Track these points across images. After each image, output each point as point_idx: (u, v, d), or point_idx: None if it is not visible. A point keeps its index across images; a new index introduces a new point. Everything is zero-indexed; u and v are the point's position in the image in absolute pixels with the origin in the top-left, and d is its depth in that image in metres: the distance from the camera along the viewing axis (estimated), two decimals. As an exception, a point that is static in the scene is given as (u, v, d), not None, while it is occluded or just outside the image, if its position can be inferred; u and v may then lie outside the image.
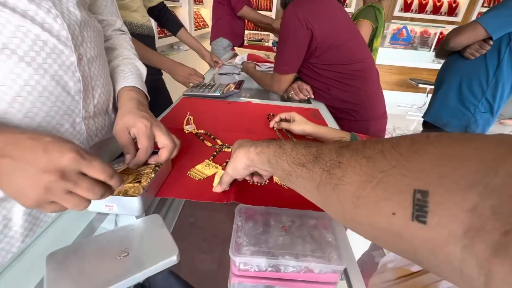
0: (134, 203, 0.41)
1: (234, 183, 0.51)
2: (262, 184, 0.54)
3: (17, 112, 0.41)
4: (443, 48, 1.31)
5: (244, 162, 0.41)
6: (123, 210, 0.42)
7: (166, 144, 0.48)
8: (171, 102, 0.96)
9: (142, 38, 1.13)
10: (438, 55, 1.43)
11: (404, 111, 4.02)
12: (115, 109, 0.64)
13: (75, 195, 0.32)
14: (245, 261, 0.40)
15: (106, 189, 0.34)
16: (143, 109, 0.51)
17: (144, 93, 0.60)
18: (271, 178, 0.55)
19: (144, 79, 0.65)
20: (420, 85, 3.80)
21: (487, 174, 0.15)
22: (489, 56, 1.16)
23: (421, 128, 1.53)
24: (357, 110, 1.03)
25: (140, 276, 0.31)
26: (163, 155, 0.47)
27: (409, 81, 4.09)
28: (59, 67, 0.43)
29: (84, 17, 0.48)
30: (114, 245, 0.36)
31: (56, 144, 0.31)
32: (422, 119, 1.47)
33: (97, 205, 0.42)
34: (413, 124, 3.58)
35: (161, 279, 0.21)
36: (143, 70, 0.66)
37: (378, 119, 1.08)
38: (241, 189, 0.51)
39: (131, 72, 0.62)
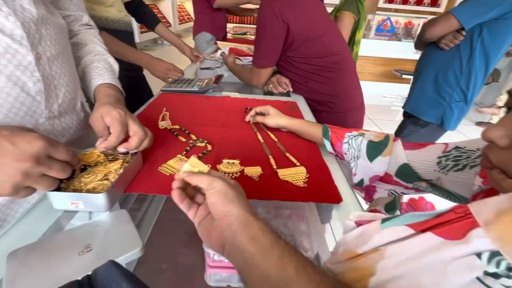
0: (100, 199, 0.41)
1: None
2: (233, 176, 0.55)
3: None
4: (420, 39, 1.34)
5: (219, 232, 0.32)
6: (90, 207, 0.43)
7: (137, 131, 0.49)
8: (152, 99, 0.95)
9: (119, 34, 1.10)
10: (417, 46, 1.45)
11: (389, 102, 4.08)
12: (86, 106, 0.64)
13: (48, 177, 0.36)
14: (219, 253, 0.42)
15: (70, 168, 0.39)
16: (120, 104, 0.53)
17: (120, 90, 0.61)
18: (241, 171, 0.56)
19: (117, 75, 0.65)
20: (404, 76, 3.86)
21: None
22: (462, 47, 1.19)
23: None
24: (335, 102, 1.05)
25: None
26: (133, 141, 0.48)
27: (393, 72, 4.14)
28: (16, 68, 0.42)
29: (42, 14, 0.46)
30: (77, 241, 0.37)
31: (20, 135, 0.34)
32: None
33: (63, 203, 0.42)
34: (398, 115, 3.65)
35: (104, 269, 0.21)
36: (116, 66, 0.66)
37: (355, 110, 1.10)
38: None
39: (106, 69, 0.62)
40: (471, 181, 0.43)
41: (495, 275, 0.21)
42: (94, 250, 0.35)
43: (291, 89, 1.09)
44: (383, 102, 4.07)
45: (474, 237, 0.23)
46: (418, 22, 4.24)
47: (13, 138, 0.33)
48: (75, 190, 0.44)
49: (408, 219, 0.29)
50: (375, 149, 0.57)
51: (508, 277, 0.20)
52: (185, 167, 0.38)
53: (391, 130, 1.15)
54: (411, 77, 1.49)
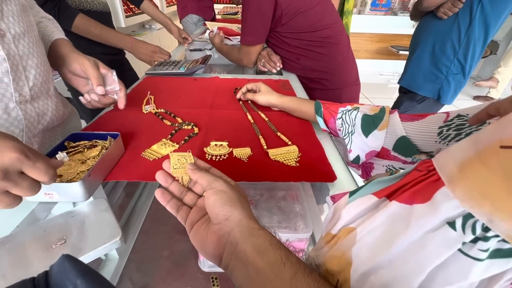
0: (75, 188, 0.38)
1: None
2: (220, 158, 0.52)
3: None
4: (417, 9, 1.28)
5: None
6: (66, 197, 0.40)
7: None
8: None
9: (95, 15, 1.03)
10: (413, 17, 1.39)
11: (386, 79, 4.01)
12: (57, 92, 0.60)
13: (10, 195, 0.29)
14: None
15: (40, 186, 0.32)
16: None
17: None
18: (230, 153, 0.53)
19: None
20: (401, 52, 3.77)
21: None
22: (461, 15, 1.14)
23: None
24: (329, 79, 1.01)
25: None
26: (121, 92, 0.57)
27: (390, 48, 4.05)
28: None
29: None
30: (50, 234, 0.34)
31: None
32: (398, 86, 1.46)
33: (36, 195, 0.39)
34: (395, 93, 3.59)
35: (57, 265, 0.19)
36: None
37: (350, 86, 1.06)
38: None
39: (62, 32, 0.62)
40: None
41: (473, 240, 0.18)
42: (69, 242, 0.33)
43: (281, 66, 1.04)
44: (380, 80, 4.00)
45: (441, 201, 0.20)
46: (415, -5, 4.09)
47: None
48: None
49: (374, 187, 0.26)
50: (370, 122, 0.54)
51: (485, 239, 0.18)
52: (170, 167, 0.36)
53: (388, 107, 1.11)
54: (408, 52, 1.44)
